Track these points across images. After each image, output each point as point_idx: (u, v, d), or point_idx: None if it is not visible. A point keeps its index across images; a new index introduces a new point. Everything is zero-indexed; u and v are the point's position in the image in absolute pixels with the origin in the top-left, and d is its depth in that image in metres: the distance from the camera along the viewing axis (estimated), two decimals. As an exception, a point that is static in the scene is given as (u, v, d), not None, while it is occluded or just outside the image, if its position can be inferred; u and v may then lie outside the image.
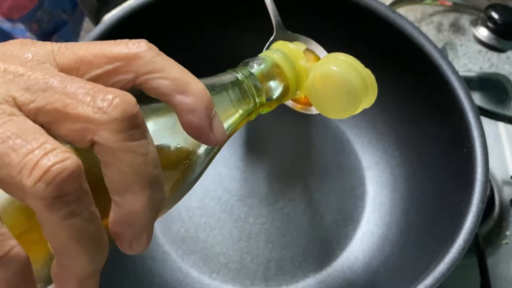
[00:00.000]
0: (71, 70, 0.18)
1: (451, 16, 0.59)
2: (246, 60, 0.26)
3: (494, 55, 0.56)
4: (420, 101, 0.41)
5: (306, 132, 0.47)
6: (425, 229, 0.39)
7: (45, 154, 0.15)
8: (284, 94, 0.27)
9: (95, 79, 0.18)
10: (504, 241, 0.46)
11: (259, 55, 0.27)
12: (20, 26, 0.57)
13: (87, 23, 0.62)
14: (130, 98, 0.16)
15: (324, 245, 0.43)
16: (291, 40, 0.38)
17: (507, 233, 0.46)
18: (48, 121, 0.16)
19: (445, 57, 0.37)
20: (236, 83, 0.24)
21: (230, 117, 0.24)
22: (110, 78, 0.18)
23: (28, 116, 0.16)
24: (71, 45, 0.18)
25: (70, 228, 0.15)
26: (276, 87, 0.26)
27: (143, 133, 0.16)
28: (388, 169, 0.44)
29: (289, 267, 0.42)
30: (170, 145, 0.20)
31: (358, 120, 0.46)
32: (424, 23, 0.58)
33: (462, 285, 0.43)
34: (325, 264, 0.42)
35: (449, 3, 0.56)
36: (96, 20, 0.42)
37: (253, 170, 0.45)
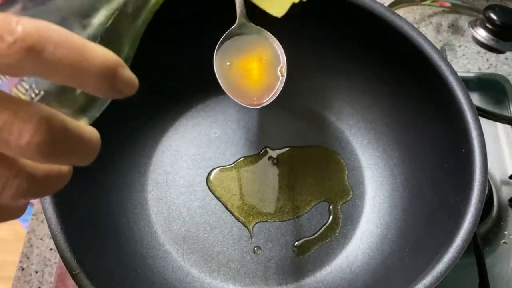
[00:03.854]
0: None
1: (450, 17, 0.59)
2: None
3: (492, 56, 0.57)
4: (419, 102, 0.41)
5: (305, 132, 0.47)
6: (424, 228, 0.39)
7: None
8: None
9: None
10: (502, 241, 0.46)
11: None
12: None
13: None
14: (45, 130, 0.17)
15: (323, 244, 0.43)
16: (251, 32, 0.39)
17: (506, 232, 0.47)
18: None
19: (444, 58, 0.37)
20: None
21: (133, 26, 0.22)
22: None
23: None
24: None
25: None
26: None
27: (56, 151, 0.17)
28: (387, 169, 0.45)
29: (289, 266, 0.42)
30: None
31: (358, 120, 0.47)
32: (423, 24, 0.59)
33: (461, 285, 0.43)
34: (324, 263, 0.42)
35: (448, 4, 0.57)
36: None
37: (253, 170, 0.45)
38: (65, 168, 0.20)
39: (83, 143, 0.19)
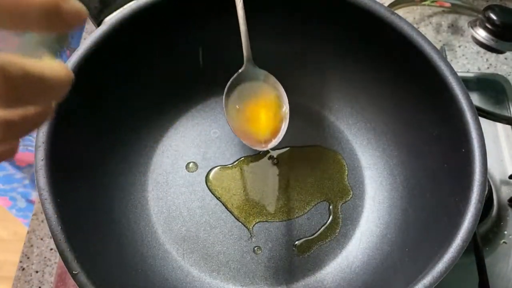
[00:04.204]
0: None
1: (450, 17, 0.59)
2: None
3: (492, 56, 0.57)
4: (418, 102, 0.41)
5: (305, 132, 0.47)
6: (423, 228, 0.39)
7: None
8: None
9: None
10: (502, 241, 0.46)
11: None
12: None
13: (89, 24, 0.62)
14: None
15: (323, 244, 0.43)
16: (258, 77, 0.41)
17: (505, 232, 0.47)
18: None
19: (444, 58, 0.37)
20: None
21: None
22: None
23: None
24: None
25: None
26: None
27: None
28: (387, 169, 0.45)
29: (289, 266, 0.42)
30: None
31: (358, 120, 0.47)
32: (423, 24, 0.59)
33: (461, 284, 0.43)
34: (324, 263, 0.42)
35: (447, 4, 0.57)
36: (98, 22, 0.43)
37: (253, 170, 0.45)
38: (42, 105, 0.20)
39: (49, 81, 0.18)
